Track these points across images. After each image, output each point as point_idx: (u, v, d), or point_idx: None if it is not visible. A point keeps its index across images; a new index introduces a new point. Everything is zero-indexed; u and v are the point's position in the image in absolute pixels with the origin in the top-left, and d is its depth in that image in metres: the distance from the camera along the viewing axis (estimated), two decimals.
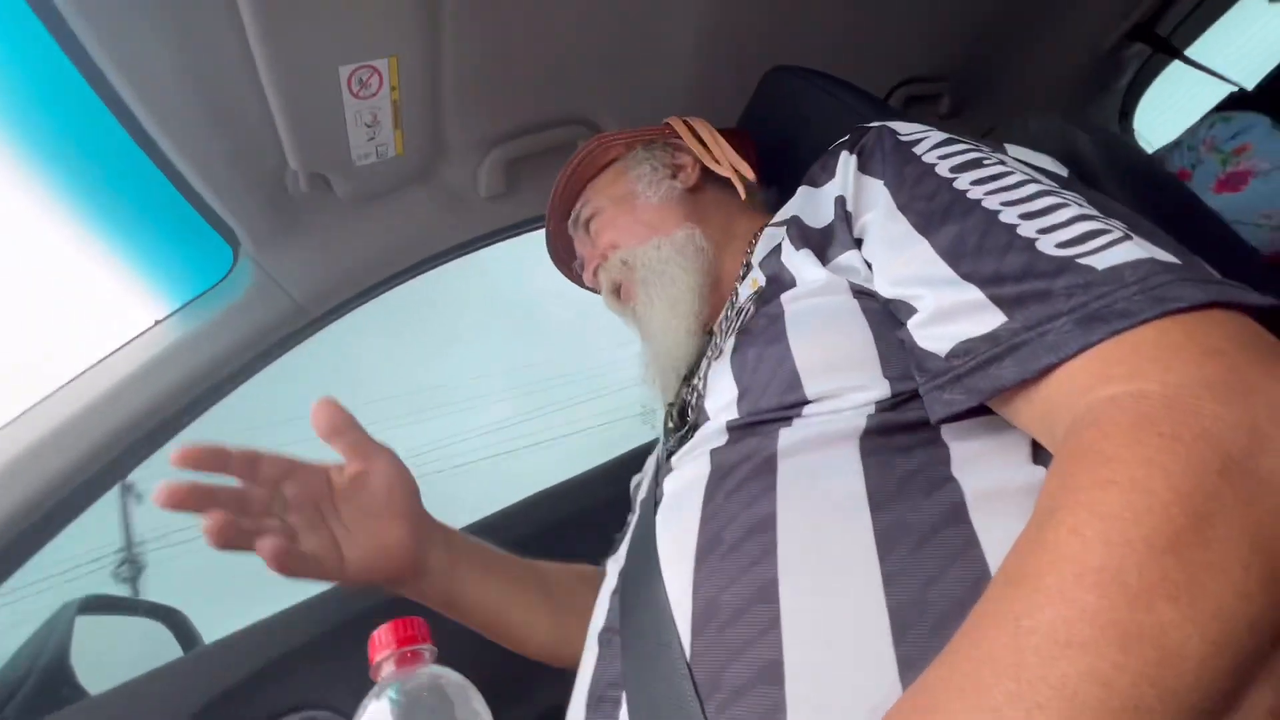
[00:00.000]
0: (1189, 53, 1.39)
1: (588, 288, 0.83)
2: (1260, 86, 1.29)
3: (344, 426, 0.50)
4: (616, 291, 0.71)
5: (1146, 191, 0.50)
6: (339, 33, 0.65)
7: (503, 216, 1.00)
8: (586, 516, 0.98)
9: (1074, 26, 1.33)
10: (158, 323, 0.81)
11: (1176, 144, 1.14)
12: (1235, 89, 1.29)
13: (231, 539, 0.42)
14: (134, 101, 0.63)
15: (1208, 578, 0.23)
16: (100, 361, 0.78)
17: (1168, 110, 1.51)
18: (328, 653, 0.81)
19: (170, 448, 0.85)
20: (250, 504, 0.45)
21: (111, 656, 0.89)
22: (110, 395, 0.76)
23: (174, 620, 0.95)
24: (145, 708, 0.74)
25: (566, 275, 0.87)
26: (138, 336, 0.80)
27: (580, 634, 0.51)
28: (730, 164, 0.71)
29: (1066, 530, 0.26)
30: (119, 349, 0.78)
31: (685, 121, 0.77)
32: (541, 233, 0.85)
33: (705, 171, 0.73)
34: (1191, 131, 1.12)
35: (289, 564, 0.44)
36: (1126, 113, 1.51)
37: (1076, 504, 0.26)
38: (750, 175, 0.70)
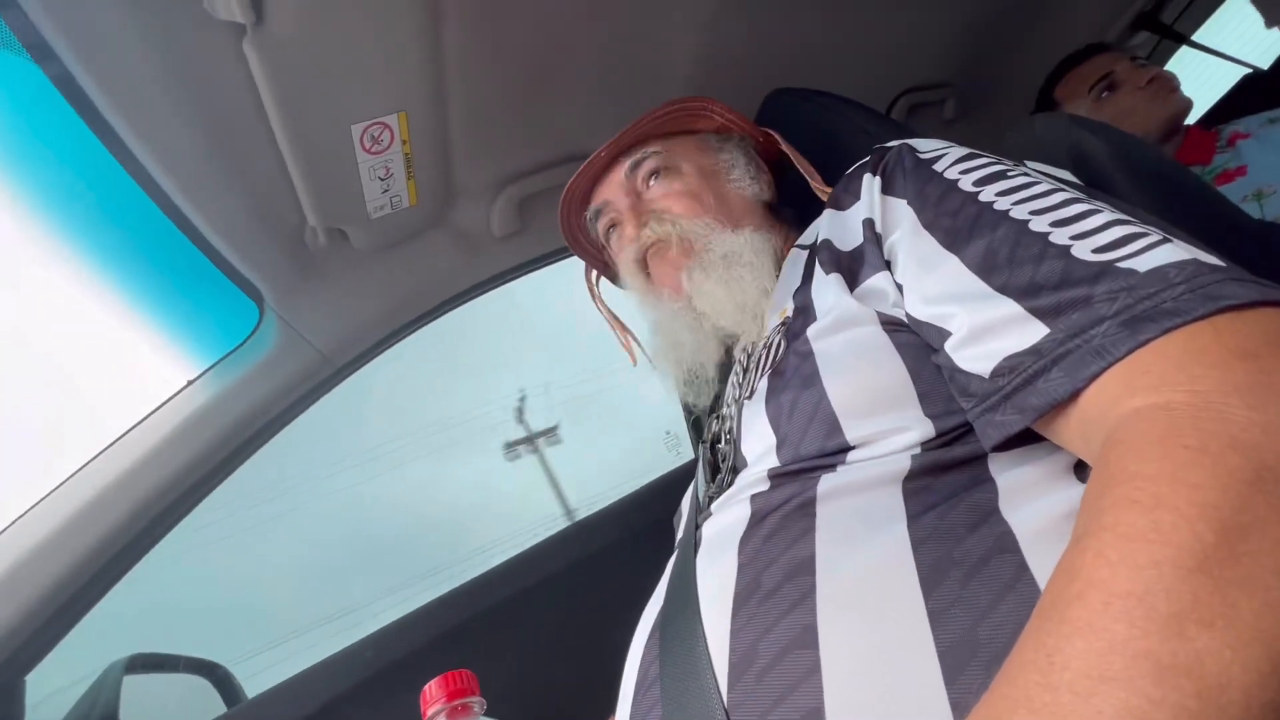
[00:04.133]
0: (1196, 37, 1.37)
1: (573, 236, 0.76)
2: (1276, 67, 1.26)
3: None
4: (645, 256, 0.67)
5: (1159, 187, 0.49)
6: (350, 93, 0.68)
7: (517, 254, 1.02)
8: (621, 547, 0.98)
9: (1077, 20, 1.32)
10: (190, 383, 0.83)
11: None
12: (1249, 70, 1.26)
13: None
14: (156, 169, 0.66)
15: (1243, 598, 0.21)
16: (137, 424, 0.80)
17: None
18: (370, 699, 0.81)
19: (211, 501, 0.87)
20: None
21: (159, 715, 0.90)
22: (149, 457, 0.78)
23: (217, 675, 0.96)
24: None
25: (564, 213, 0.75)
26: (171, 397, 0.82)
27: None
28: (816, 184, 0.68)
29: (1092, 555, 0.24)
30: (154, 411, 0.81)
31: (781, 143, 0.74)
32: (557, 264, 0.85)
33: (775, 190, 0.73)
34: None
35: None
36: None
37: (1100, 527, 0.25)
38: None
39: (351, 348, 0.91)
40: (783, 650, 0.34)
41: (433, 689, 0.38)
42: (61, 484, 0.76)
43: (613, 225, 0.72)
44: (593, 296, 0.82)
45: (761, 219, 0.68)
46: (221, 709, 0.89)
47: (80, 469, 0.77)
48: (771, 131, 0.74)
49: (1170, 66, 1.50)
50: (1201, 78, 1.36)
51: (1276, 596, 0.21)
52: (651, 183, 0.68)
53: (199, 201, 0.71)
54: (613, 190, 0.71)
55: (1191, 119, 1.30)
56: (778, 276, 0.63)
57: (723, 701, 0.35)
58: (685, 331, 0.65)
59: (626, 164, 0.69)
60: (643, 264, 0.68)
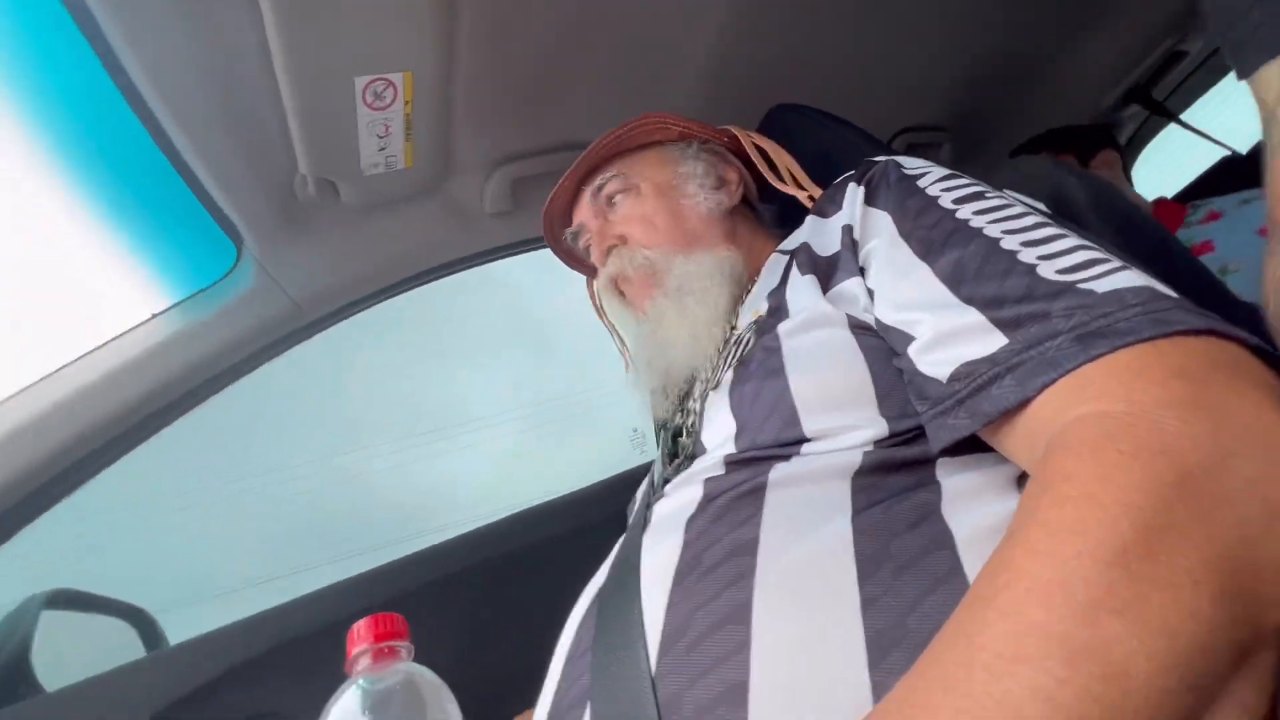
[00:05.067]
0: (1185, 117, 1.43)
1: (565, 252, 0.80)
2: (1256, 151, 1.32)
3: None
4: (615, 282, 0.68)
5: (1130, 234, 0.51)
6: (358, 45, 0.67)
7: (506, 233, 1.02)
8: (575, 537, 0.97)
9: (1074, 85, 1.37)
10: (155, 315, 0.81)
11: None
12: (1229, 153, 1.32)
13: None
14: (151, 95, 0.65)
15: (1154, 593, 0.22)
16: (95, 350, 0.78)
17: (1164, 171, 1.55)
18: (296, 660, 0.79)
19: (161, 439, 0.85)
20: None
21: (75, 654, 0.87)
22: (102, 383, 0.76)
23: (140, 620, 0.93)
24: (103, 707, 0.72)
25: (548, 233, 0.80)
26: (135, 327, 0.80)
27: None
28: (806, 193, 0.67)
29: (1021, 547, 0.26)
30: (114, 338, 0.79)
31: (751, 137, 0.73)
32: (546, 252, 0.85)
33: (744, 193, 0.73)
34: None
35: None
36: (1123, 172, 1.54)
37: (1033, 521, 0.26)
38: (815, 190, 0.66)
39: (327, 302, 0.90)
40: (715, 625, 0.35)
41: (360, 629, 0.37)
42: (5, 399, 0.74)
43: (590, 245, 0.74)
44: (595, 307, 0.82)
45: (720, 234, 0.68)
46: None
47: (28, 386, 0.74)
48: (733, 129, 0.73)
49: (1158, 141, 1.56)
50: (1185, 154, 1.42)
51: (1185, 595, 0.22)
52: (615, 203, 0.70)
53: (190, 132, 0.70)
54: (584, 213, 0.73)
55: (1170, 193, 1.36)
56: (741, 291, 0.64)
57: (650, 671, 0.35)
58: (654, 351, 0.66)
59: (589, 189, 0.72)
60: (617, 289, 0.70)
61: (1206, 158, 1.34)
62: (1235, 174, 1.23)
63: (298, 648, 0.79)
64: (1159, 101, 1.41)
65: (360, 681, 0.35)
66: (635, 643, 0.37)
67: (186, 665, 0.75)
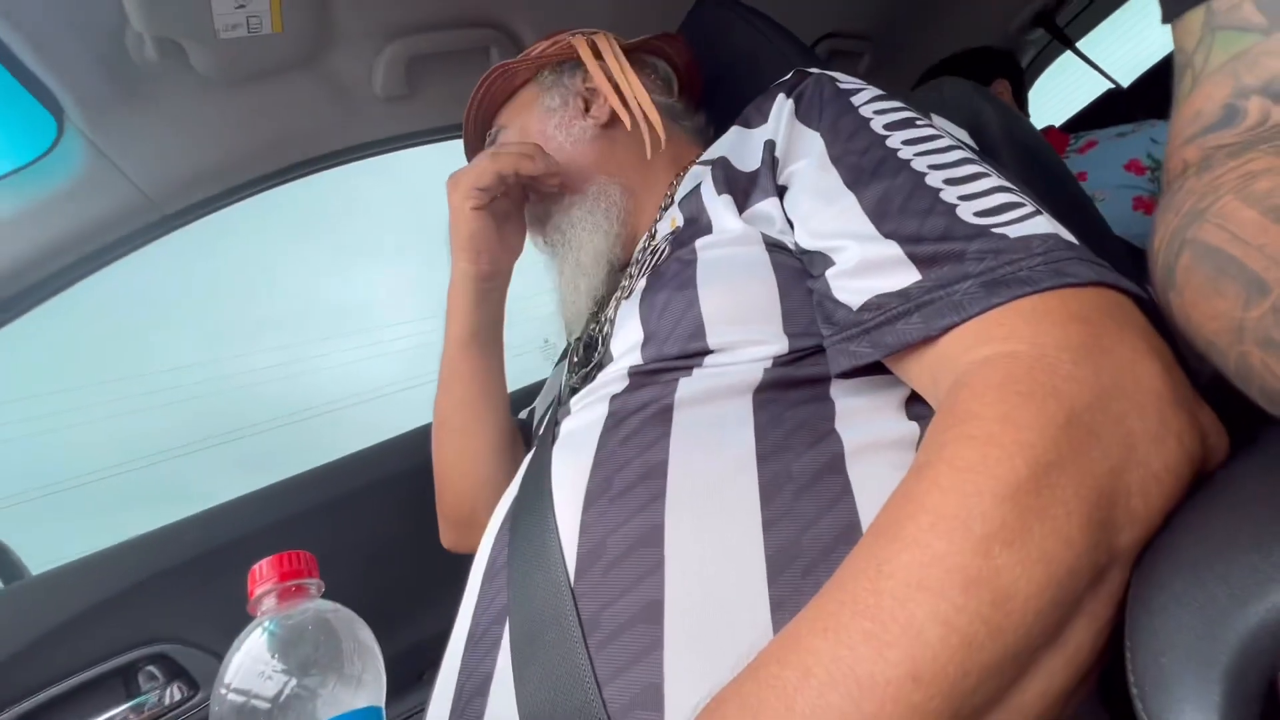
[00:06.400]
0: (1080, 45, 1.50)
1: None
2: (1135, 86, 1.41)
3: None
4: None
5: (1033, 167, 0.54)
6: None
7: (401, 122, 0.91)
8: None
9: (990, 5, 1.38)
10: None
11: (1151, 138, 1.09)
12: (1112, 85, 1.40)
13: None
14: None
15: (1036, 523, 0.25)
16: None
17: (1058, 99, 1.63)
18: (187, 585, 0.75)
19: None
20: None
21: None
22: None
23: None
24: None
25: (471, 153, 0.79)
26: None
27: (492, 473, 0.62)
28: (639, 109, 0.63)
29: (928, 482, 0.27)
30: None
31: (590, 40, 0.66)
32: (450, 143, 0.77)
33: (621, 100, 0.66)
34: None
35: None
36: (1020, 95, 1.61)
37: (939, 458, 0.28)
38: (657, 125, 0.62)
39: (184, 194, 0.77)
40: (630, 547, 0.36)
41: (263, 568, 0.35)
42: None
43: None
44: None
45: (591, 164, 0.64)
46: None
47: None
48: (574, 40, 0.67)
49: (1054, 69, 1.63)
50: (1077, 84, 1.50)
51: (1061, 525, 0.25)
52: None
53: None
54: None
55: (1057, 121, 1.43)
56: (629, 221, 0.63)
57: (571, 590, 0.36)
58: (560, 284, 0.66)
59: (487, 142, 0.72)
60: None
61: (1094, 89, 1.42)
62: (1116, 107, 1.31)
63: (189, 571, 0.74)
64: (1060, 28, 1.46)
65: (266, 623, 0.33)
66: (554, 563, 0.38)
67: (54, 596, 0.69)
